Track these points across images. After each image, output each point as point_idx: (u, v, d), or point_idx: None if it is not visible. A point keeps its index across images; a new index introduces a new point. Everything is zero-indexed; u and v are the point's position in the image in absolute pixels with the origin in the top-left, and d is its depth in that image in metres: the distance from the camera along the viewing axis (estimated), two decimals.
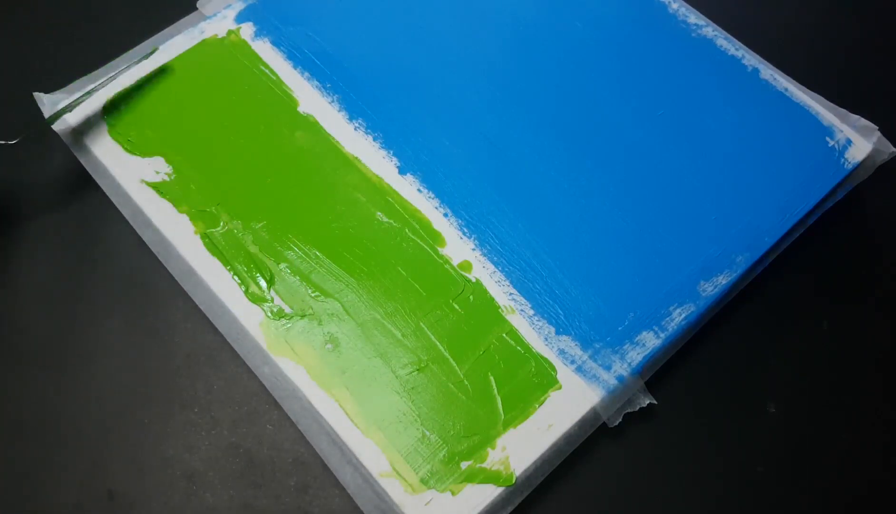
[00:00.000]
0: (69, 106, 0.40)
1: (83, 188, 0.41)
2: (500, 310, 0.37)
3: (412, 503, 0.32)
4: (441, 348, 0.36)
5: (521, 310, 0.37)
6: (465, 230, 0.39)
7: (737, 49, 0.46)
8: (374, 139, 0.42)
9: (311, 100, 0.43)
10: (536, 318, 0.37)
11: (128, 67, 0.43)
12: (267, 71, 0.44)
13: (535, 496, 0.34)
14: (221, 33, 0.45)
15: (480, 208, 0.40)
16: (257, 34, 0.45)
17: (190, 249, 0.38)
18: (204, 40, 0.45)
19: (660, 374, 0.37)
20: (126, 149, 0.41)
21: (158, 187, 0.40)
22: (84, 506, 0.33)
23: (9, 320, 0.37)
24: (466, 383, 0.35)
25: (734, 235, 0.39)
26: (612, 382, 0.35)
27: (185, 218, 0.39)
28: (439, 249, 0.39)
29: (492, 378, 0.35)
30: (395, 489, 0.33)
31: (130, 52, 0.44)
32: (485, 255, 0.39)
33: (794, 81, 0.45)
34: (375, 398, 0.35)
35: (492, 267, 0.38)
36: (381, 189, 0.40)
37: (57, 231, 0.40)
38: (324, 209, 0.40)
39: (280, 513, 0.33)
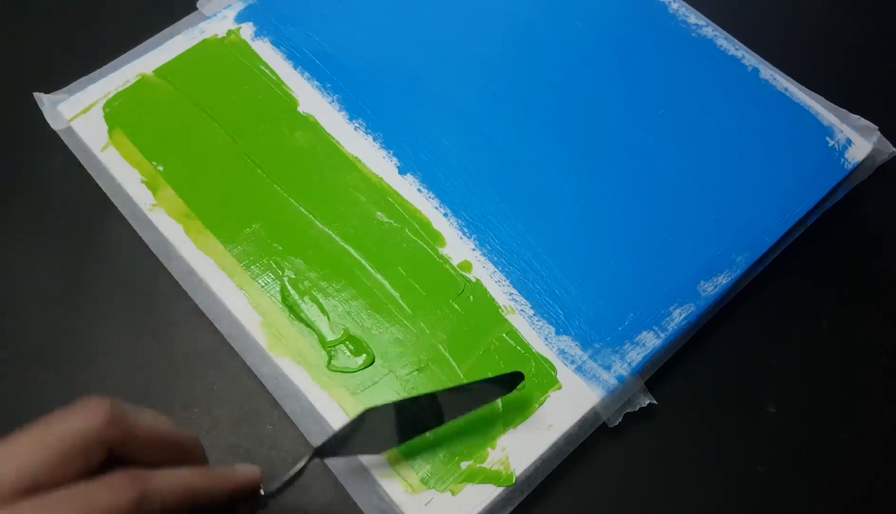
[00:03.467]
0: None
1: (83, 188, 0.41)
2: (500, 310, 0.37)
3: (412, 503, 0.32)
4: (441, 348, 0.36)
5: (521, 310, 0.37)
6: (465, 230, 0.39)
7: (737, 49, 0.46)
8: (374, 139, 0.42)
9: (311, 100, 0.43)
10: (536, 318, 0.37)
11: (128, 66, 0.43)
12: (267, 71, 0.44)
13: (535, 496, 0.34)
14: (221, 33, 0.45)
15: (480, 208, 0.40)
16: (257, 34, 0.45)
17: (190, 250, 0.38)
18: (204, 40, 0.45)
19: (660, 374, 0.37)
20: (126, 149, 0.41)
21: (158, 187, 0.40)
22: None
23: (9, 319, 0.37)
24: (466, 383, 0.35)
25: (734, 235, 0.39)
26: (612, 382, 0.35)
27: (185, 218, 0.39)
28: (439, 249, 0.39)
29: None
30: (395, 489, 0.33)
31: (131, 51, 0.44)
32: (485, 255, 0.39)
33: (794, 81, 0.45)
34: (375, 398, 0.35)
35: (492, 267, 0.38)
36: (381, 189, 0.40)
37: (57, 231, 0.40)
38: (324, 209, 0.39)
39: (280, 513, 0.33)
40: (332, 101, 0.43)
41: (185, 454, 0.28)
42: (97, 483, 0.23)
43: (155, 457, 0.26)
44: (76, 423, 0.24)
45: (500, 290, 0.38)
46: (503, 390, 0.33)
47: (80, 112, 0.42)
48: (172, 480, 0.25)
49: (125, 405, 0.26)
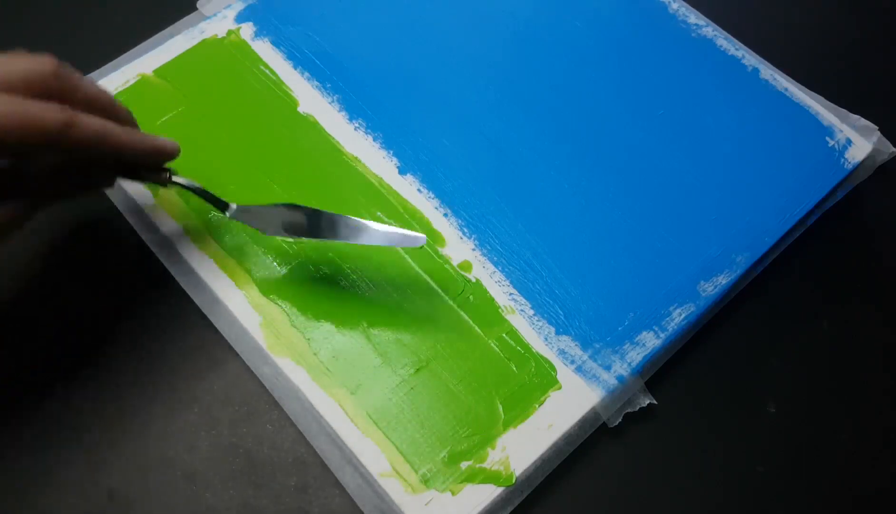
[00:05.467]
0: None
1: None
2: (500, 310, 0.37)
3: (412, 503, 0.32)
4: (441, 348, 0.36)
5: (521, 310, 0.37)
6: (465, 230, 0.39)
7: (737, 49, 0.46)
8: (374, 139, 0.42)
9: (311, 100, 0.43)
10: (536, 318, 0.37)
11: (128, 66, 0.43)
12: (267, 71, 0.44)
13: (535, 496, 0.34)
14: (221, 33, 0.45)
15: (480, 208, 0.40)
16: (257, 34, 0.45)
17: (190, 250, 0.38)
18: (204, 40, 0.45)
19: (660, 374, 0.37)
20: None
21: (158, 187, 0.40)
22: (84, 506, 0.33)
23: (9, 320, 0.37)
24: (466, 383, 0.35)
25: (734, 235, 0.39)
26: (612, 382, 0.35)
27: (185, 218, 0.39)
28: (439, 249, 0.39)
29: (492, 378, 0.35)
30: (395, 489, 0.33)
31: (131, 51, 0.44)
32: (485, 255, 0.39)
33: (794, 81, 0.45)
34: (375, 398, 0.35)
35: (492, 267, 0.38)
36: (381, 189, 0.40)
37: (56, 232, 0.40)
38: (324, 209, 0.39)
39: (280, 513, 0.33)
40: (332, 101, 0.43)
41: (117, 119, 0.30)
42: (34, 100, 0.26)
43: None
44: (25, 65, 0.27)
45: (500, 290, 0.38)
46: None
47: None
48: (95, 120, 0.28)
49: (72, 69, 0.28)
